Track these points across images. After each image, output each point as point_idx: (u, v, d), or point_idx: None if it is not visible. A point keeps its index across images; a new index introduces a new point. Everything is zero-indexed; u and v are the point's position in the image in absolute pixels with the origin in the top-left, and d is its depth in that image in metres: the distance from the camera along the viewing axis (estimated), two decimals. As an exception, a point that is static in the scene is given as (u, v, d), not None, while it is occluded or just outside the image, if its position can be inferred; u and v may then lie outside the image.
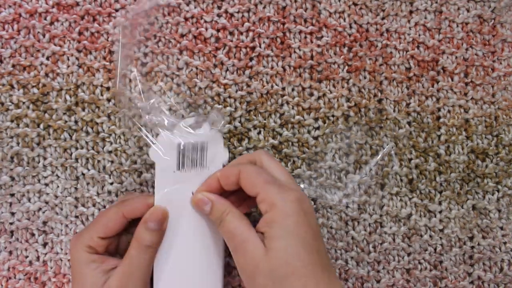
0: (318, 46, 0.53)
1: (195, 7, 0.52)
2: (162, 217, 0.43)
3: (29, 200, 0.51)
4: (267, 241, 0.39)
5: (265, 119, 0.52)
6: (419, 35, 0.55)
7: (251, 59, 0.53)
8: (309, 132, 0.53)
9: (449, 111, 0.55)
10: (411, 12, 0.55)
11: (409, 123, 0.54)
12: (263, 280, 0.38)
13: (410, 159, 0.54)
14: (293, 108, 0.53)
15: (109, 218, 0.44)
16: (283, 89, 0.53)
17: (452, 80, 0.55)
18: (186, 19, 0.52)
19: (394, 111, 0.54)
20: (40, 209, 0.51)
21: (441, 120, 0.54)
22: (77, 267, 0.43)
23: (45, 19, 0.51)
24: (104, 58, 0.52)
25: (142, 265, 0.42)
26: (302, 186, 0.52)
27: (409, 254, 0.54)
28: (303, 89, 0.53)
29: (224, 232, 0.42)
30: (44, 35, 0.51)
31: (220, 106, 0.52)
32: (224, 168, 0.45)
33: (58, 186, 0.51)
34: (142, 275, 0.42)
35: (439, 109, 0.55)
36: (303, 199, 0.41)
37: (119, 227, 0.44)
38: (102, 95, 0.51)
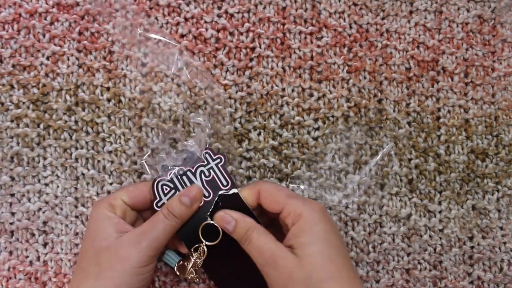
0: (318, 46, 0.53)
1: (195, 8, 0.52)
2: (195, 196, 0.45)
3: (29, 200, 0.51)
4: (298, 250, 0.40)
5: (265, 120, 0.52)
6: (419, 35, 0.55)
7: (251, 59, 0.53)
8: (309, 133, 0.53)
9: (449, 111, 0.55)
10: (411, 12, 0.55)
11: (409, 123, 0.54)
12: None
13: (410, 159, 0.54)
14: (293, 109, 0.53)
15: (136, 187, 0.47)
16: (283, 90, 0.53)
17: (452, 80, 0.55)
18: (186, 19, 0.52)
19: (394, 111, 0.54)
20: (40, 209, 0.51)
21: (441, 120, 0.54)
22: (94, 223, 0.44)
23: (45, 19, 0.51)
24: (104, 58, 0.52)
25: (163, 229, 0.43)
26: (302, 187, 0.52)
27: (408, 254, 0.54)
28: (303, 89, 0.53)
29: (252, 249, 0.43)
30: (44, 35, 0.51)
31: (220, 107, 0.52)
32: (242, 189, 0.46)
33: (58, 186, 0.51)
34: (157, 237, 0.43)
35: (439, 109, 0.55)
36: (326, 210, 0.43)
37: (142, 199, 0.46)
38: (102, 95, 0.51)
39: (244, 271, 0.45)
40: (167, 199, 0.46)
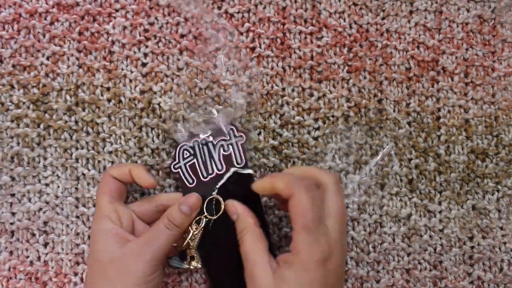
0: (318, 46, 0.53)
1: (195, 8, 0.52)
2: (195, 204, 0.46)
3: (29, 200, 0.51)
4: (277, 277, 0.40)
5: (265, 120, 0.52)
6: (419, 35, 0.55)
7: (251, 59, 0.53)
8: (309, 132, 0.53)
9: (449, 111, 0.55)
10: (411, 12, 0.55)
11: (409, 123, 0.54)
12: None
13: (410, 159, 0.54)
14: (293, 109, 0.53)
15: (108, 182, 0.47)
16: (283, 89, 0.53)
17: (452, 80, 0.55)
18: (186, 19, 0.52)
19: (394, 111, 0.54)
20: (40, 209, 0.51)
21: (441, 120, 0.54)
22: (94, 237, 0.45)
23: (45, 19, 0.51)
24: (104, 58, 0.52)
25: (165, 238, 0.44)
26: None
27: (409, 254, 0.54)
28: (303, 89, 0.53)
29: (241, 249, 0.43)
30: (44, 35, 0.51)
31: (220, 107, 0.52)
32: (278, 178, 0.44)
33: (58, 186, 0.51)
34: (161, 247, 0.44)
35: (439, 109, 0.55)
36: (331, 257, 0.40)
37: (121, 189, 0.47)
38: (102, 95, 0.51)
39: (235, 256, 0.45)
40: (184, 164, 0.48)
